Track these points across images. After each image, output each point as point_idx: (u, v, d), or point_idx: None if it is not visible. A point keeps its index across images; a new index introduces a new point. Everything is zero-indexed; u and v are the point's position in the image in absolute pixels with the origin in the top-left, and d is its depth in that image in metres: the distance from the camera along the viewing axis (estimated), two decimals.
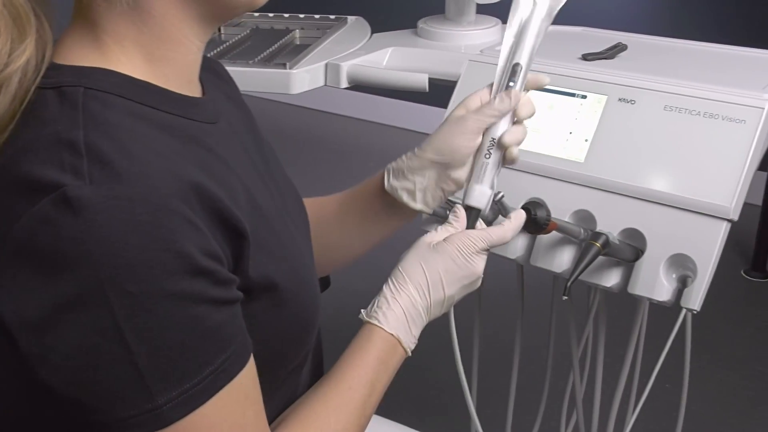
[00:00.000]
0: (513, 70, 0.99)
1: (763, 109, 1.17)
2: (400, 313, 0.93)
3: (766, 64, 1.35)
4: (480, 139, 1.00)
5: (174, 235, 0.70)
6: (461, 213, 0.99)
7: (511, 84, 0.98)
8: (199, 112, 0.82)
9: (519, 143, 1.00)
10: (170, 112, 0.79)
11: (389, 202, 1.06)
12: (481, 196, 0.99)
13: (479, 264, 0.96)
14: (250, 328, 0.79)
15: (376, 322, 0.92)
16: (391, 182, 1.05)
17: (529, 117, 1.00)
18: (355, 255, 1.13)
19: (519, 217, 1.01)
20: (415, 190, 1.03)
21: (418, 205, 1.04)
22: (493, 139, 0.99)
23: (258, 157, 0.91)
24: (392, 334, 0.92)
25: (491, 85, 1.01)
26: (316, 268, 0.97)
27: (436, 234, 0.97)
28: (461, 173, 1.01)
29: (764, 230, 2.80)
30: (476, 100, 1.01)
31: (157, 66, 0.79)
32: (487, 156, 0.99)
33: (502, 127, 0.99)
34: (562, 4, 1.02)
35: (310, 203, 1.09)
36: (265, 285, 0.80)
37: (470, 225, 0.99)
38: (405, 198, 1.04)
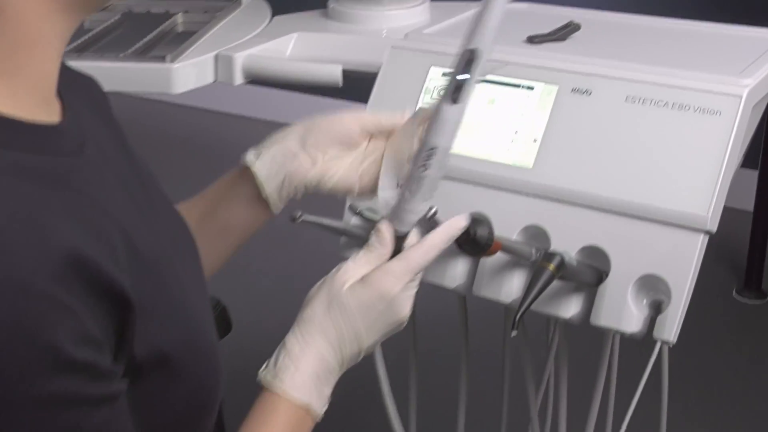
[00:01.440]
0: (469, 58, 0.94)
1: (741, 97, 1.22)
2: (309, 373, 0.93)
3: (743, 43, 1.40)
4: (356, 128, 1.07)
5: (40, 324, 0.68)
6: (387, 235, 0.98)
7: (465, 76, 0.94)
8: (62, 141, 0.79)
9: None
10: (24, 150, 0.75)
11: (243, 184, 1.11)
12: (412, 216, 0.98)
13: (406, 306, 0.96)
14: (138, 414, 0.78)
15: (280, 387, 0.92)
16: (247, 157, 1.11)
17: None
18: (211, 269, 1.15)
19: (451, 226, 1.00)
20: (263, 152, 1.10)
21: (260, 170, 1.10)
22: (433, 148, 0.96)
23: (135, 184, 0.89)
24: (301, 404, 0.92)
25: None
26: None
27: (354, 267, 0.96)
28: (318, 166, 1.08)
29: (757, 241, 2.87)
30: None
31: (3, 82, 0.76)
32: (423, 169, 0.96)
33: (447, 136, 0.96)
34: None
35: None
36: (155, 359, 0.79)
37: (397, 251, 0.98)
38: (249, 157, 1.10)
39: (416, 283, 0.98)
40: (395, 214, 0.99)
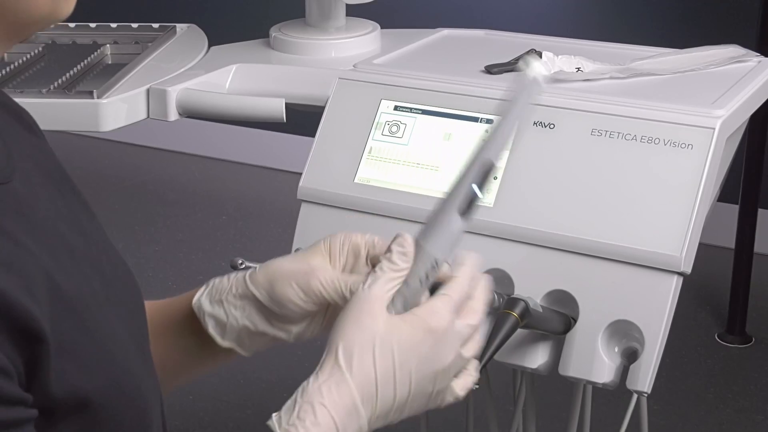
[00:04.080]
0: (486, 170, 0.91)
1: (714, 129, 1.25)
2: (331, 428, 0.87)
3: (715, 72, 1.43)
4: (316, 308, 0.98)
5: None
6: (410, 249, 0.92)
7: (476, 189, 0.91)
8: None
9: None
10: None
11: (198, 330, 1.04)
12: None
13: (451, 346, 0.92)
14: None
15: None
16: (201, 301, 1.03)
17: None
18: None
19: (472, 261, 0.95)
20: (227, 323, 1.02)
21: (225, 343, 1.02)
22: (437, 261, 0.92)
23: (69, 225, 0.91)
24: None
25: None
26: None
27: (377, 292, 0.90)
28: (295, 328, 1.00)
29: (739, 280, 2.90)
30: (361, 243, 0.97)
31: None
32: (427, 278, 0.92)
33: (447, 250, 0.92)
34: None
35: None
36: (73, 403, 0.81)
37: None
38: (211, 328, 1.02)
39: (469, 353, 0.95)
40: (423, 230, 0.93)
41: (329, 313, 0.99)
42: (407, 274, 0.92)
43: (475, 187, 0.91)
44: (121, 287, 0.96)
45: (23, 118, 0.96)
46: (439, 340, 0.91)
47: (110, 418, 0.84)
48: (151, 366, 0.96)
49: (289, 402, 0.89)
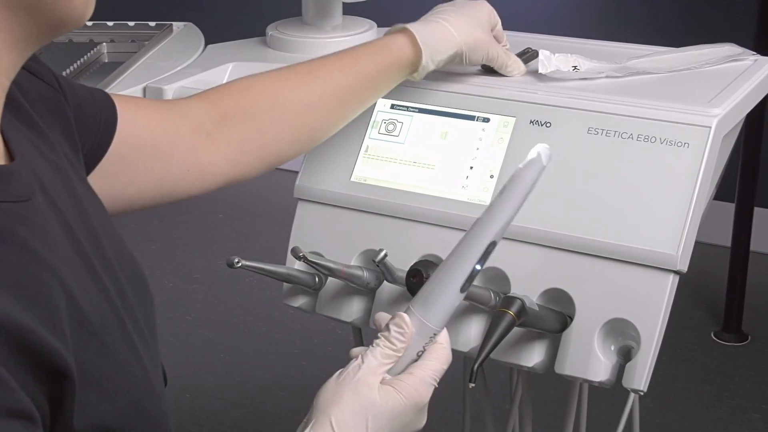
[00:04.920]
0: (487, 251, 0.97)
1: (710, 128, 1.25)
2: None
3: (712, 71, 1.43)
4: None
5: None
6: (409, 330, 0.97)
7: (478, 267, 0.97)
8: (12, 185, 0.79)
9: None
10: None
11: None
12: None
13: (426, 413, 0.99)
14: None
15: None
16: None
17: None
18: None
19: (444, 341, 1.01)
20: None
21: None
22: (435, 335, 0.98)
23: (82, 231, 0.89)
24: None
25: None
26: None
27: (376, 365, 0.96)
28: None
29: (735, 279, 2.90)
30: None
31: None
32: (423, 350, 0.99)
33: (444, 323, 0.99)
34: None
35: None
36: None
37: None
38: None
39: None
40: (422, 304, 0.99)
41: None
42: (405, 347, 0.98)
43: (477, 266, 0.97)
44: (131, 280, 0.95)
45: (22, 113, 0.93)
46: (422, 408, 0.97)
47: None
48: (161, 376, 0.95)
49: None
